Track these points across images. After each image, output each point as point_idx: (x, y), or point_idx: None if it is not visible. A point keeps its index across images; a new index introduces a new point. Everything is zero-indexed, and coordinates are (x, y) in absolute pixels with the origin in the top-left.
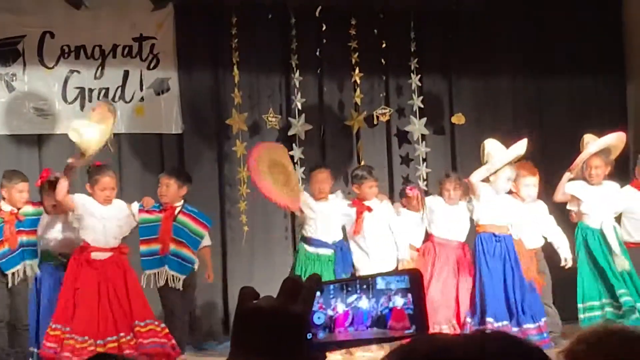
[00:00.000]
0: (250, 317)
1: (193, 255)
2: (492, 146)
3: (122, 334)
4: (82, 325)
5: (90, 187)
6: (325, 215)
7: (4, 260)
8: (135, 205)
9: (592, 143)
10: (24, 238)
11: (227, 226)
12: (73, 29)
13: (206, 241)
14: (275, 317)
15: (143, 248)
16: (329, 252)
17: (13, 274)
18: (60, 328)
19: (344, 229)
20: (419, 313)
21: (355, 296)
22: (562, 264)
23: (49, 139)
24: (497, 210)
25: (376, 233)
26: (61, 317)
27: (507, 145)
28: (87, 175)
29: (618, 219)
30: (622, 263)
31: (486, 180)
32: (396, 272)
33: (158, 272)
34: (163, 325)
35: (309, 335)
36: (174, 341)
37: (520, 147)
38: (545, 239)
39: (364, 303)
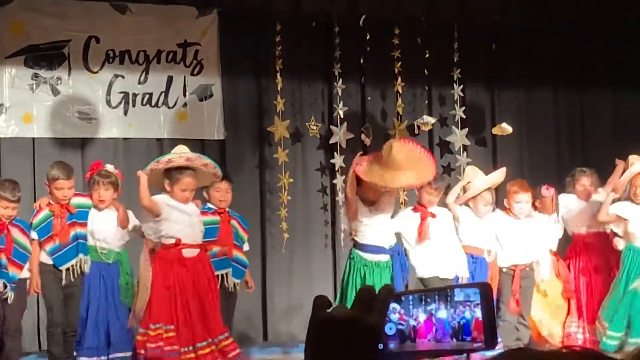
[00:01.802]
0: (325, 326)
1: (246, 259)
2: (472, 173)
3: (205, 342)
4: (182, 330)
5: (169, 185)
6: (381, 219)
7: (56, 255)
8: None
9: (636, 163)
10: (77, 230)
11: (267, 233)
12: (118, 34)
13: (245, 247)
14: (350, 327)
15: None
16: (385, 257)
17: (68, 269)
18: (151, 328)
19: (397, 235)
20: (488, 326)
21: (434, 305)
22: (538, 282)
23: (92, 143)
24: (475, 234)
25: (439, 240)
26: (156, 317)
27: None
28: (165, 175)
29: None
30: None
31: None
32: (469, 285)
33: (219, 275)
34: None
35: (381, 346)
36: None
37: (499, 175)
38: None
39: (443, 313)
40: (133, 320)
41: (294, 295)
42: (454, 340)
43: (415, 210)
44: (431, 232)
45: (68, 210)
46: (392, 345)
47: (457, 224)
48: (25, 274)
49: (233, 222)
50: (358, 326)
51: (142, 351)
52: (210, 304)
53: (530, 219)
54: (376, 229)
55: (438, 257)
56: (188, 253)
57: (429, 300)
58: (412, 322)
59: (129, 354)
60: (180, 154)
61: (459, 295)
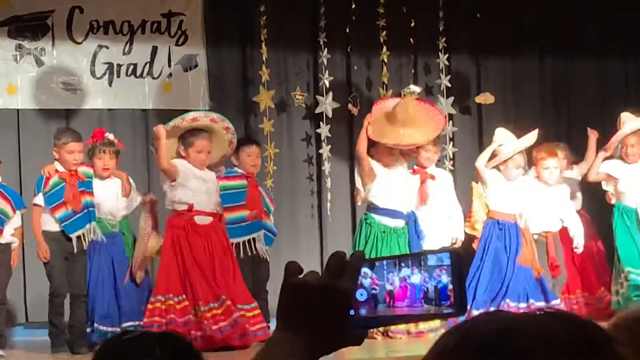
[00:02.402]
0: (296, 291)
1: (274, 226)
2: (502, 135)
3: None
4: (202, 290)
5: (184, 150)
6: (395, 183)
7: (67, 223)
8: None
9: (628, 122)
10: (87, 199)
11: None
12: (102, 4)
13: (272, 218)
14: (321, 292)
15: (228, 216)
16: (401, 223)
17: (78, 237)
18: (160, 299)
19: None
20: (458, 293)
21: (408, 270)
22: (575, 249)
23: (77, 114)
24: (505, 198)
25: (440, 203)
26: (165, 288)
27: (528, 129)
28: (179, 141)
29: None
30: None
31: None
32: (441, 250)
33: (248, 241)
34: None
35: (352, 312)
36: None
37: (531, 138)
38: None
39: (417, 278)
40: (127, 275)
41: (280, 265)
42: (429, 305)
43: (414, 172)
44: (430, 194)
45: (78, 177)
46: (363, 311)
47: (485, 189)
48: (7, 239)
49: (260, 189)
50: (328, 292)
51: (154, 319)
52: (230, 273)
53: (559, 185)
54: (392, 193)
55: (436, 219)
56: (201, 220)
57: (402, 264)
58: (388, 287)
59: (139, 322)
60: (205, 113)
61: (432, 260)
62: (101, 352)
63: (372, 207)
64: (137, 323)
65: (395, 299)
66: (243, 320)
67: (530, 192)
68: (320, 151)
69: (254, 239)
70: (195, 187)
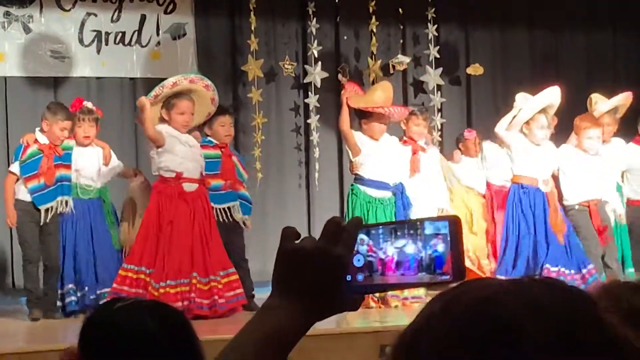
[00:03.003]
0: (292, 257)
1: (249, 195)
2: (522, 100)
3: (197, 275)
4: (170, 266)
5: (166, 112)
6: (383, 155)
7: (37, 194)
8: None
9: (601, 102)
10: (62, 172)
11: None
12: None
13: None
14: (317, 257)
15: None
16: (388, 194)
17: (47, 210)
18: (133, 269)
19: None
20: (456, 260)
21: (403, 241)
22: (616, 219)
23: (65, 82)
24: (529, 162)
25: (426, 175)
26: (139, 259)
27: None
28: (161, 107)
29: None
30: (622, 221)
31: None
32: (439, 218)
33: (225, 209)
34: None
35: (349, 277)
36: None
37: (551, 94)
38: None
39: (411, 247)
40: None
41: (268, 235)
42: (423, 273)
43: (404, 143)
44: (421, 166)
45: (56, 151)
46: (360, 277)
47: (510, 152)
48: None
49: (234, 158)
50: (324, 256)
51: (124, 287)
52: (208, 238)
53: (599, 156)
54: (379, 165)
55: (424, 191)
56: (188, 187)
57: (398, 233)
58: (381, 255)
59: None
60: (184, 76)
61: (429, 228)
62: (91, 319)
63: (358, 178)
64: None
65: (389, 267)
66: (216, 291)
67: (568, 161)
68: (309, 121)
69: (229, 208)
70: (182, 153)
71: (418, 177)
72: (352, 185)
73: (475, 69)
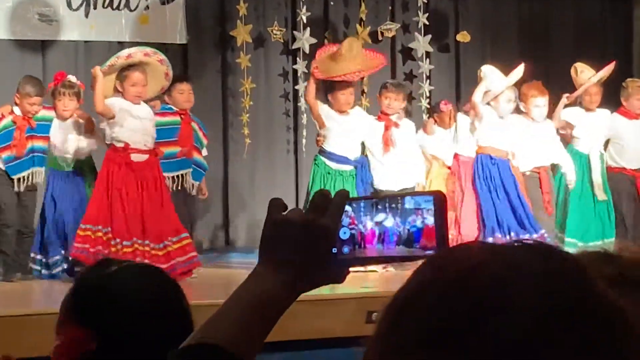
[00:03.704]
0: (279, 228)
1: (204, 162)
2: (489, 71)
3: (150, 243)
4: (123, 228)
5: (119, 84)
6: (348, 129)
7: (10, 165)
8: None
9: (587, 71)
10: (35, 144)
11: (229, 137)
12: None
13: (204, 152)
14: (304, 229)
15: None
16: (349, 168)
17: (19, 179)
18: (91, 228)
19: (362, 145)
20: (440, 233)
21: (383, 215)
22: (568, 185)
23: (53, 46)
24: (497, 134)
25: (401, 150)
26: (95, 218)
27: (507, 68)
28: (116, 77)
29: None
30: (601, 194)
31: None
32: (422, 193)
33: (178, 176)
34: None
35: (334, 250)
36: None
37: (519, 73)
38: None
39: (390, 222)
40: None
41: (256, 200)
42: (402, 247)
43: (379, 119)
44: (395, 141)
45: (29, 123)
46: (345, 250)
47: (478, 123)
48: None
49: (193, 124)
50: (312, 228)
51: (86, 245)
52: (158, 205)
53: (547, 122)
54: (342, 139)
55: (399, 168)
56: (137, 158)
57: (379, 207)
58: (360, 228)
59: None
60: (139, 49)
61: (409, 203)
62: (81, 283)
63: (322, 151)
64: None
65: (368, 241)
66: (173, 255)
67: (518, 129)
68: (297, 87)
69: (183, 175)
70: (132, 126)
71: (393, 152)
72: (315, 156)
73: (464, 36)
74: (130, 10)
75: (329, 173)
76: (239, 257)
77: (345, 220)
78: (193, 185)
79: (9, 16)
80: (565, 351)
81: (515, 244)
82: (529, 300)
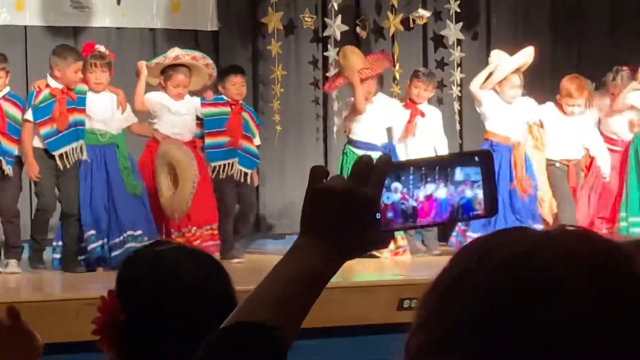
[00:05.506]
0: (322, 196)
1: (257, 150)
2: (497, 57)
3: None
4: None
5: (163, 82)
6: (373, 115)
7: (50, 140)
8: (197, 100)
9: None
10: (76, 117)
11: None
12: None
13: (256, 140)
14: (347, 196)
15: (208, 141)
16: (378, 154)
17: (61, 155)
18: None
19: (389, 130)
20: (489, 194)
21: (434, 185)
22: (602, 179)
23: (85, 32)
24: (500, 120)
25: (424, 140)
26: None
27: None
28: (160, 73)
29: None
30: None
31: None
32: (469, 153)
33: (225, 165)
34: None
35: (378, 215)
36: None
37: (526, 54)
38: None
39: (442, 192)
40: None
41: (286, 188)
42: (452, 214)
43: (406, 106)
44: (417, 131)
45: (69, 96)
46: (390, 215)
47: (481, 110)
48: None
49: (244, 114)
50: (354, 196)
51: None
52: (200, 194)
53: (581, 116)
54: (368, 126)
55: (421, 151)
56: None
57: (429, 179)
58: (413, 203)
59: (139, 232)
60: (187, 52)
61: (459, 175)
62: (130, 263)
63: (349, 140)
64: (137, 233)
65: (421, 214)
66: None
67: (548, 119)
68: (327, 74)
69: (229, 163)
70: (171, 122)
71: (410, 140)
72: (344, 146)
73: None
74: None
75: None
76: (269, 244)
77: (395, 197)
78: (244, 173)
79: (41, 3)
80: (612, 340)
81: (558, 231)
82: (580, 287)
